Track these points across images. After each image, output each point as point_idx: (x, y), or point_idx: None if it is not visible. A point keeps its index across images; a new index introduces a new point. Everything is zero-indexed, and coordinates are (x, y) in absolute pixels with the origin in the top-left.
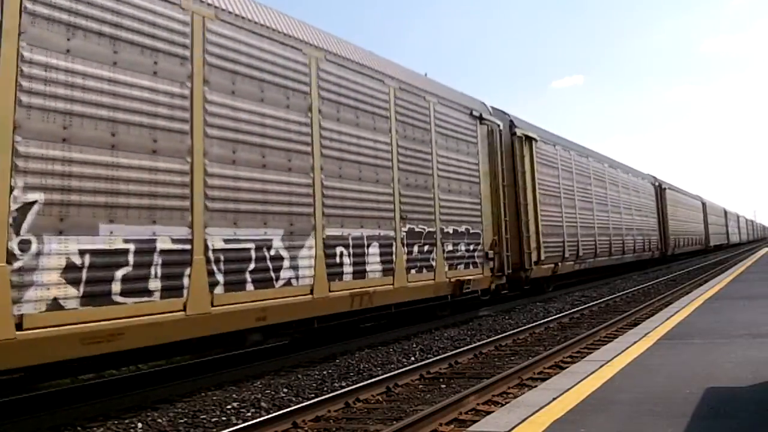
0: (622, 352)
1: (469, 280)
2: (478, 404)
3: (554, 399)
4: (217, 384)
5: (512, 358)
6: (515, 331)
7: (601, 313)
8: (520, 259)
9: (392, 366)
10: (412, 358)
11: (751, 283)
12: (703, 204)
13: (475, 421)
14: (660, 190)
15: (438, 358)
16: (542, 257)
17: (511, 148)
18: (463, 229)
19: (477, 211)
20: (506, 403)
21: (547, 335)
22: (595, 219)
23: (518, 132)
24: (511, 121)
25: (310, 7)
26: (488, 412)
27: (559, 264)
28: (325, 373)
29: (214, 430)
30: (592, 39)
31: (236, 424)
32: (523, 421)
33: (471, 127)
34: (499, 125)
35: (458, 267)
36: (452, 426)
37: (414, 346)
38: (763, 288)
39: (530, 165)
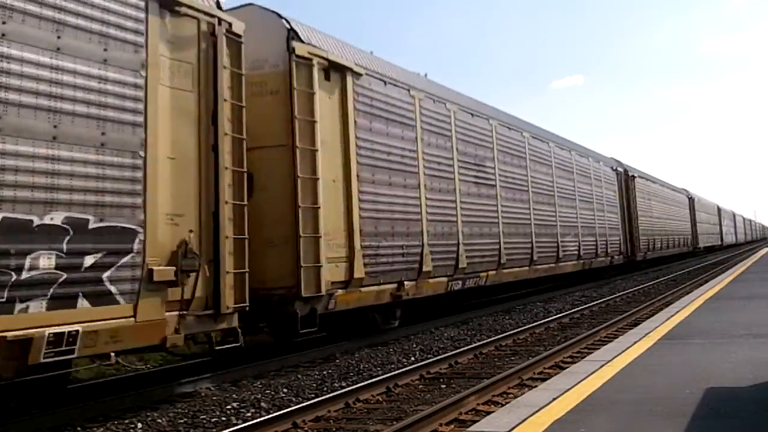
0: (623, 352)
1: (56, 335)
2: (478, 404)
3: (554, 399)
4: (217, 384)
5: (512, 358)
6: (515, 331)
7: (602, 313)
8: (296, 277)
9: (392, 366)
10: (412, 358)
11: (751, 283)
12: (690, 199)
13: (475, 422)
14: (626, 178)
15: (438, 358)
16: (360, 274)
17: (288, 77)
18: (46, 221)
19: (128, 182)
20: (506, 403)
21: (548, 335)
22: (500, 211)
23: (303, 51)
24: (291, 30)
25: (310, 8)
26: (488, 413)
27: (407, 284)
28: (325, 373)
29: (214, 430)
30: (592, 39)
31: (236, 424)
32: (523, 421)
33: (113, 8)
34: (229, 25)
35: None
36: (452, 426)
37: (414, 346)
38: (763, 288)
39: (341, 113)
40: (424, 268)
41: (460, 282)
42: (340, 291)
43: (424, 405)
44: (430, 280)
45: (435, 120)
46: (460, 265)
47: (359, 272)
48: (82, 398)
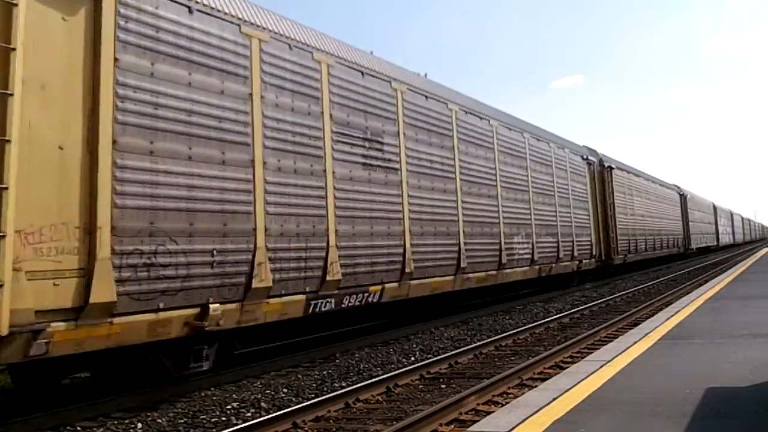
0: (623, 352)
1: None
2: (478, 404)
3: (554, 399)
4: (217, 384)
5: (512, 358)
6: (515, 331)
7: (602, 313)
8: None
9: (392, 366)
10: (412, 358)
11: (751, 283)
12: (682, 196)
13: (475, 422)
14: (601, 169)
15: (438, 358)
16: (105, 297)
17: None
18: None
19: None
20: (506, 403)
21: (547, 335)
22: (406, 203)
23: None
24: None
25: (311, 7)
26: (488, 413)
27: (218, 308)
28: (325, 373)
29: (214, 430)
30: (592, 39)
31: (236, 424)
32: (523, 421)
33: None
34: None
35: None
36: (452, 426)
37: (414, 346)
38: (763, 288)
39: (89, 45)
40: (258, 283)
41: (332, 300)
42: (60, 325)
43: (424, 405)
44: (272, 300)
45: (289, 73)
46: (331, 277)
47: (104, 293)
48: (82, 398)
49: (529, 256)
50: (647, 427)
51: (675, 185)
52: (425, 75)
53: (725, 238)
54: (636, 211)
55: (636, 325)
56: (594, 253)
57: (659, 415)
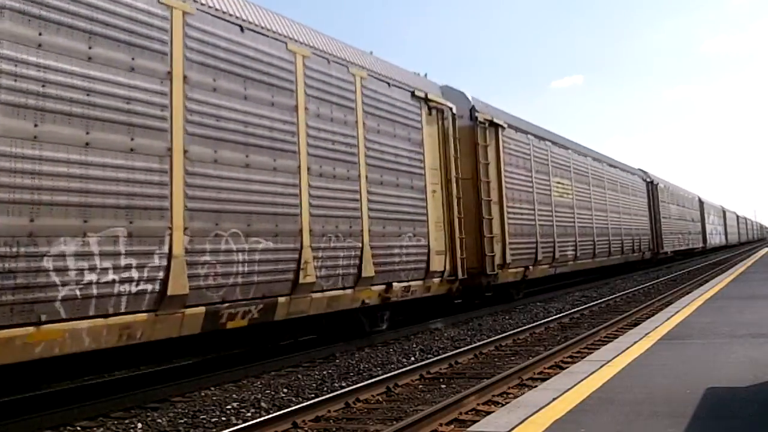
0: (623, 352)
1: None
2: (478, 404)
3: (554, 399)
4: (217, 384)
5: (512, 358)
6: (515, 331)
7: (602, 313)
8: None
9: (392, 366)
10: (412, 358)
11: (751, 283)
12: (651, 184)
13: (475, 422)
14: (473, 125)
15: (438, 358)
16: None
17: None
18: None
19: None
20: (506, 403)
21: (548, 335)
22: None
23: None
24: None
25: (311, 7)
26: (488, 413)
27: None
28: (325, 373)
29: (214, 430)
30: (592, 39)
31: (236, 424)
32: (523, 421)
33: None
34: None
35: None
36: (452, 426)
37: (414, 346)
38: (763, 288)
39: None
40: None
41: None
42: None
43: (424, 405)
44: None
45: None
46: None
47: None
48: (82, 398)
49: (155, 286)
50: (647, 427)
51: (641, 170)
52: (425, 75)
53: (715, 239)
54: (558, 200)
55: (636, 325)
56: (436, 267)
57: (659, 415)
